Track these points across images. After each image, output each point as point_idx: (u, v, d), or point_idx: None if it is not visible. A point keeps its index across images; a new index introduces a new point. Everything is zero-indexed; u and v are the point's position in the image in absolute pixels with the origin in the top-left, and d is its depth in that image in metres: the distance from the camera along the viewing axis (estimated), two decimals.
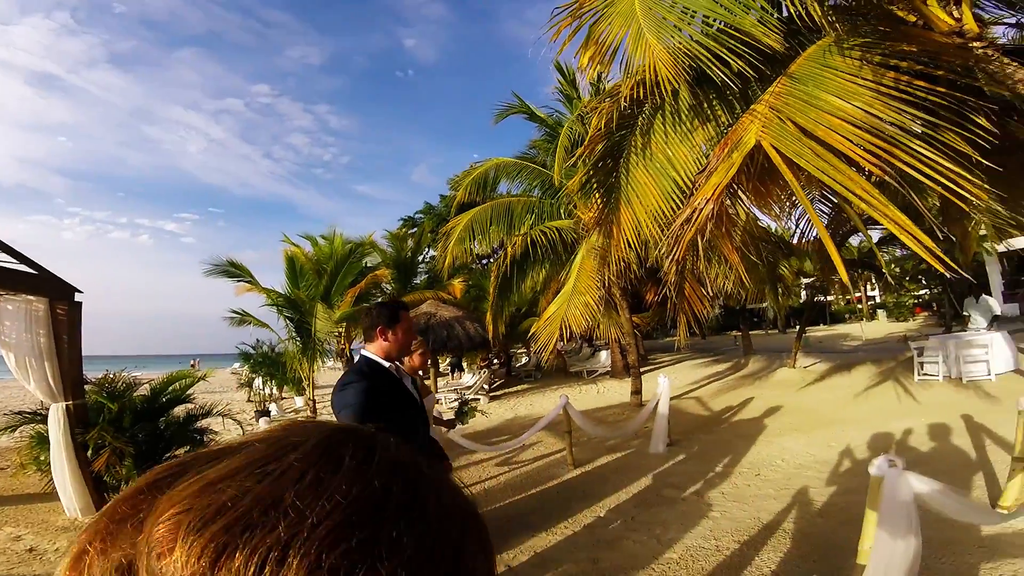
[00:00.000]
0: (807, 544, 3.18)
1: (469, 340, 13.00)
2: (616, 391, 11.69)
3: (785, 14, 3.69)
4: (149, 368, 26.52)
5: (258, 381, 13.81)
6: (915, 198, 2.80)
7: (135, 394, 5.52)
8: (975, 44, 3.17)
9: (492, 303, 10.22)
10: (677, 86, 3.35)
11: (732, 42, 3.38)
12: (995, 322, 9.60)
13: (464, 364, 17.65)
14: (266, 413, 11.94)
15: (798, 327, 13.42)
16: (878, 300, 29.07)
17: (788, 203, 6.21)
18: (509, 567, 3.34)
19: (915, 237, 2.49)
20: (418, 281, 19.74)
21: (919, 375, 8.50)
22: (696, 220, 3.49)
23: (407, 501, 0.28)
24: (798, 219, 7.51)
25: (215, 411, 6.18)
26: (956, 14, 3.24)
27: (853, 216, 2.92)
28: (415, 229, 23.99)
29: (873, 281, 27.88)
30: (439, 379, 16.30)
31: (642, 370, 10.26)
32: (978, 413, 5.81)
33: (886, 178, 2.67)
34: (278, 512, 0.25)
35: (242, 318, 11.08)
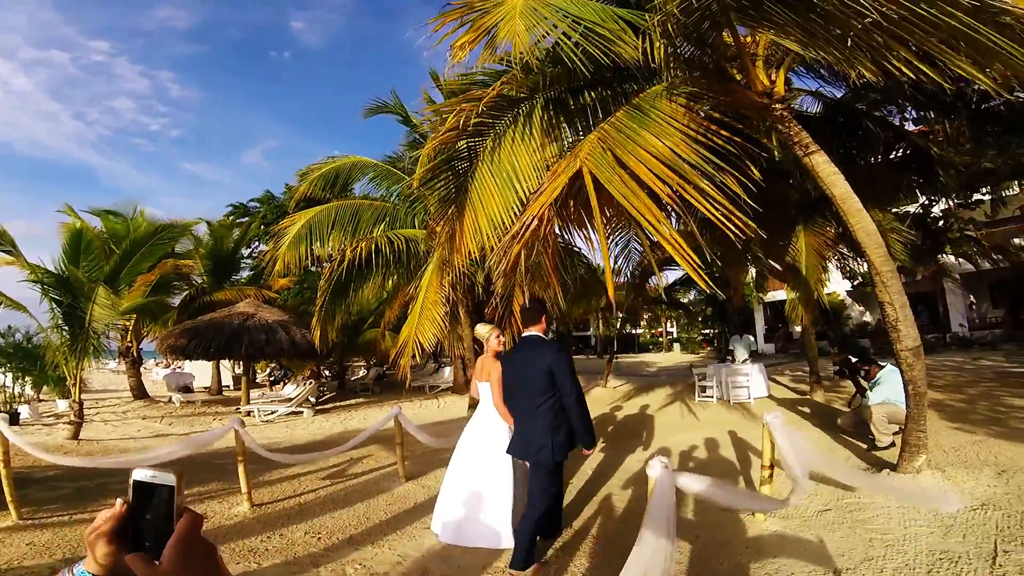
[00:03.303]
0: (611, 549, 3.47)
1: (294, 348, 11.81)
2: (458, 406, 11.72)
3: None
4: None
5: (5, 377, 10.84)
6: (693, 226, 3.36)
7: None
8: (777, 106, 3.99)
9: (321, 308, 9.29)
10: (530, 64, 3.58)
11: (598, 43, 3.75)
12: (752, 356, 12.07)
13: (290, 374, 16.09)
14: (14, 416, 9.44)
15: (610, 353, 15.20)
16: (675, 335, 34.27)
17: (611, 237, 7.02)
18: None
19: (687, 258, 2.95)
20: (239, 277, 17.62)
21: (699, 397, 10.16)
22: (523, 236, 3.73)
23: None
24: (618, 255, 8.61)
25: None
26: (773, 76, 4.03)
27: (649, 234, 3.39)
28: (246, 218, 21.41)
29: (672, 318, 32.84)
30: (253, 390, 14.62)
31: None
32: (741, 429, 7.11)
33: (675, 207, 3.19)
34: None
35: None
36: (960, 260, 12.40)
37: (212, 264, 16.06)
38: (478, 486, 3.72)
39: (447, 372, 16.30)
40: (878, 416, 5.35)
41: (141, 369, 15.61)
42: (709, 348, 28.94)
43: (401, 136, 11.51)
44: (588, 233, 5.75)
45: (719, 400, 9.80)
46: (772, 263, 9.38)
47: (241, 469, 4.57)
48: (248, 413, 11.31)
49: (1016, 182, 8.84)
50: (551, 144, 5.03)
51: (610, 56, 3.92)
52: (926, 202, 8.76)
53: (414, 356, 7.89)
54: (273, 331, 11.69)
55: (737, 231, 2.97)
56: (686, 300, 28.20)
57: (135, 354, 14.78)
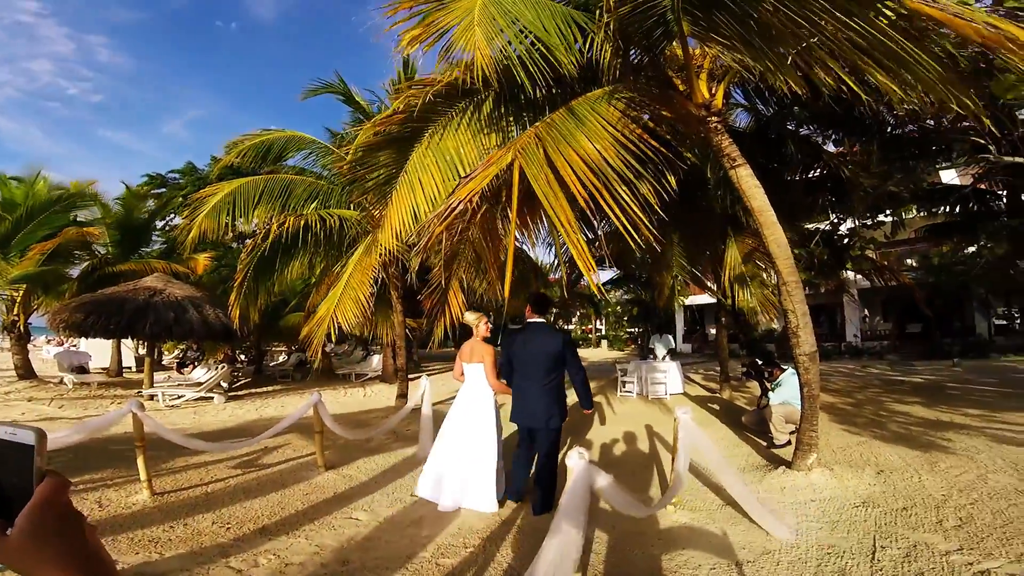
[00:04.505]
0: (538, 539, 3.50)
1: (207, 328, 10.87)
2: (385, 395, 11.50)
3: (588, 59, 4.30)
4: None
5: None
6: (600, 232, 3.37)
7: None
8: (713, 118, 4.19)
9: (241, 285, 8.58)
10: (489, 78, 3.58)
11: (539, 61, 3.79)
12: (670, 354, 12.84)
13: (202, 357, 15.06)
14: None
15: None
16: (603, 332, 35.56)
17: (548, 236, 7.14)
18: (239, 572, 2.96)
19: (587, 264, 3.10)
20: (149, 249, 16.27)
21: (621, 392, 10.63)
22: (447, 218, 3.70)
23: None
24: (555, 253, 8.77)
25: None
26: (714, 90, 4.22)
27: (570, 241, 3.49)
28: (163, 189, 19.68)
29: (601, 316, 34.09)
30: (158, 373, 13.52)
31: (414, 376, 10.25)
32: (656, 423, 7.50)
33: (590, 211, 3.30)
34: None
35: None
36: (858, 276, 13.69)
37: (120, 234, 14.69)
38: (472, 455, 4.16)
39: (376, 360, 15.92)
40: (777, 416, 5.80)
41: (29, 346, 14.05)
42: (633, 346, 30.22)
43: (343, 117, 11.11)
44: (528, 226, 5.80)
45: (639, 395, 10.29)
46: (695, 272, 9.95)
47: (140, 455, 4.23)
48: (151, 397, 10.48)
49: (914, 206, 9.85)
50: (495, 134, 5.02)
51: (562, 67, 3.96)
52: (835, 220, 9.56)
53: (340, 341, 7.65)
54: (183, 309, 10.77)
55: (641, 240, 3.11)
56: (613, 299, 29.43)
57: (22, 329, 13.25)
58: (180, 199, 17.72)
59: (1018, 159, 5.16)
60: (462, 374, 4.47)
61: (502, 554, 3.29)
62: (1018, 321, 19.44)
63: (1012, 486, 3.94)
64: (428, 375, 8.08)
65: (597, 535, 3.49)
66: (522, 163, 3.34)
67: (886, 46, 2.74)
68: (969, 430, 5.89)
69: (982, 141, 5.10)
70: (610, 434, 7.01)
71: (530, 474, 4.16)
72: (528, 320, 4.19)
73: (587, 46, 4.07)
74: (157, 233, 17.67)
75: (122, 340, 14.73)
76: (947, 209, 10.46)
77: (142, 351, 16.60)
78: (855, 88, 3.09)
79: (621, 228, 3.10)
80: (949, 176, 14.23)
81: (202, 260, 15.74)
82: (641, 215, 3.15)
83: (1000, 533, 3.15)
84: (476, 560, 3.21)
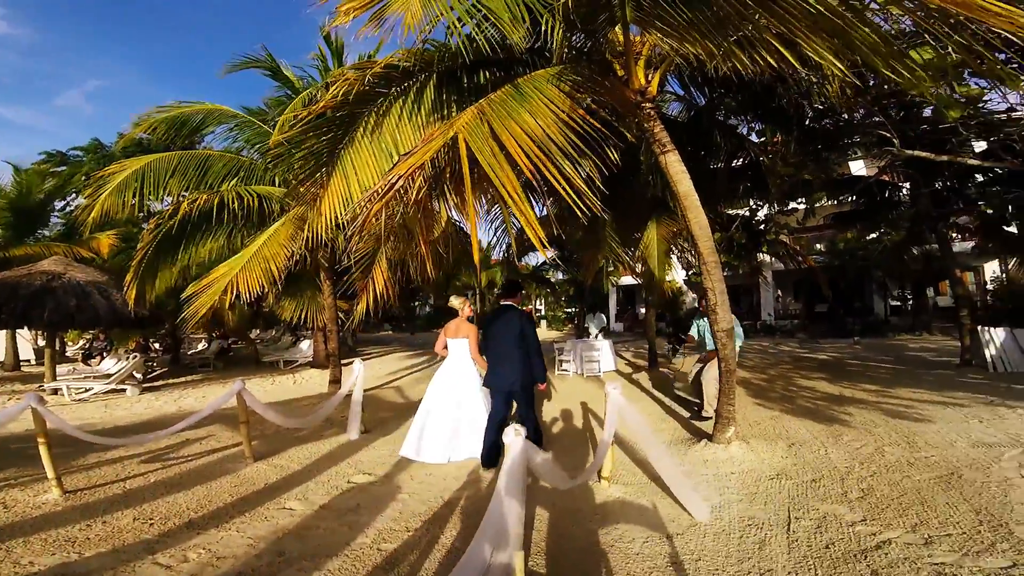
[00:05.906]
0: (480, 519, 3.50)
1: (114, 315, 9.82)
2: (317, 381, 11.15)
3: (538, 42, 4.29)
4: None
5: None
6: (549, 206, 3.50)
7: None
8: (647, 105, 4.30)
9: (140, 263, 7.79)
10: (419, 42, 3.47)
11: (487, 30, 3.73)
12: (603, 331, 13.41)
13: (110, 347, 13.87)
14: None
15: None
16: (543, 312, 36.24)
17: (490, 212, 7.16)
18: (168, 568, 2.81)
19: (535, 230, 3.12)
20: (48, 233, 14.73)
21: (558, 370, 10.94)
22: (385, 195, 3.61)
23: None
24: (496, 230, 8.80)
25: None
26: (650, 77, 4.33)
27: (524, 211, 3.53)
28: (63, 168, 17.67)
29: (540, 296, 34.71)
30: (61, 365, 12.33)
31: (348, 361, 9.97)
32: (592, 400, 7.75)
33: (536, 183, 3.40)
34: None
35: None
36: (773, 259, 14.76)
37: (12, 216, 13.19)
38: (464, 413, 5.00)
39: (305, 346, 15.35)
40: (713, 388, 5.82)
41: None
42: (571, 325, 31.06)
43: (269, 91, 10.43)
44: (466, 207, 5.78)
45: (575, 373, 10.64)
46: (622, 252, 10.39)
47: (44, 452, 3.89)
48: (55, 391, 9.58)
49: (824, 194, 10.67)
50: (438, 123, 4.92)
51: (506, 43, 3.91)
52: (753, 207, 10.21)
53: (268, 327, 7.30)
54: (86, 294, 9.74)
55: (586, 211, 3.20)
56: (553, 280, 30.10)
57: None
58: (83, 178, 16.07)
59: (918, 152, 5.64)
60: (445, 347, 5.21)
61: (445, 536, 3.28)
62: (910, 303, 21.65)
63: (905, 459, 4.29)
64: (364, 359, 7.88)
65: (537, 512, 3.56)
66: (466, 137, 3.29)
67: (831, 22, 2.81)
68: (867, 405, 6.42)
69: (887, 135, 5.53)
70: (548, 412, 7.19)
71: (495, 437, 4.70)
72: (501, 303, 4.99)
73: (534, 28, 4.05)
74: (57, 214, 15.98)
75: (18, 331, 13.32)
76: (853, 198, 11.42)
77: (42, 342, 15.09)
78: (797, 66, 3.23)
79: (567, 197, 3.14)
80: (857, 167, 15.54)
81: (105, 240, 14.38)
82: (584, 188, 3.23)
83: (897, 504, 3.42)
84: (419, 543, 3.18)
